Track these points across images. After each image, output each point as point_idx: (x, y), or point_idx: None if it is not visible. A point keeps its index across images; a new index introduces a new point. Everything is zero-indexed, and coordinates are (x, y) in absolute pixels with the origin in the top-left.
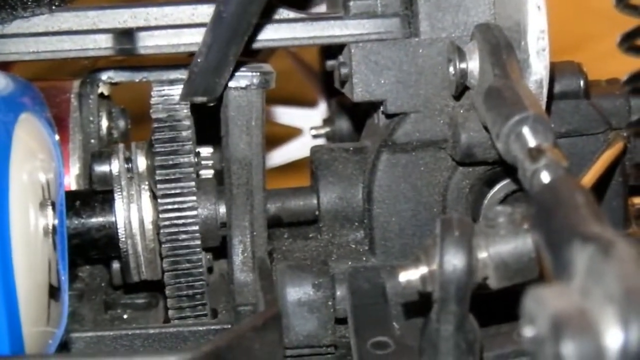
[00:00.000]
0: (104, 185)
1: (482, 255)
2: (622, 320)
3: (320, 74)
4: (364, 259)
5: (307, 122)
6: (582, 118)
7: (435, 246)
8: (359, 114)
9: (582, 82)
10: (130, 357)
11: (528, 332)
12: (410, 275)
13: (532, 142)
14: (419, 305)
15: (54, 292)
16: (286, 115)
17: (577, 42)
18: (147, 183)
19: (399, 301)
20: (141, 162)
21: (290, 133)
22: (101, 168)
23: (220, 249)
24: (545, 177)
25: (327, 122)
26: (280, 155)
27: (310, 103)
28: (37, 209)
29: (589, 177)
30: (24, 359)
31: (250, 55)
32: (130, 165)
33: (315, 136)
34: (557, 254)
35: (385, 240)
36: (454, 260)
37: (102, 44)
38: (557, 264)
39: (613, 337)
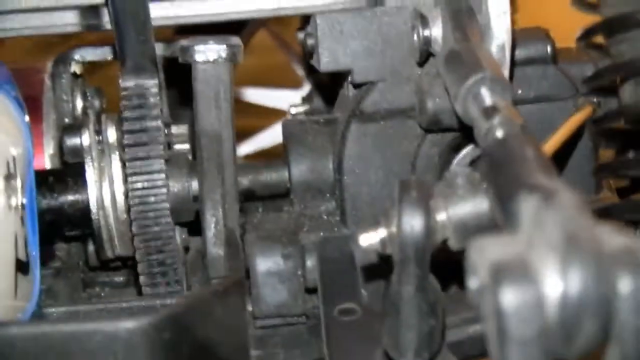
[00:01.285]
0: (76, 157)
1: (441, 216)
2: (562, 267)
3: (302, 53)
4: (336, 229)
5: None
6: (550, 83)
7: (393, 209)
8: (337, 90)
9: (549, 48)
10: (89, 322)
11: (472, 283)
12: (370, 238)
13: (488, 102)
14: (385, 270)
15: (22, 267)
16: (271, 97)
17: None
18: (117, 154)
19: (361, 265)
20: (111, 134)
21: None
22: (72, 141)
23: (198, 225)
24: (499, 134)
25: (306, 100)
26: (265, 138)
27: (295, 85)
28: (1, 184)
29: (555, 140)
30: None
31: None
32: (101, 137)
33: (295, 115)
34: (505, 206)
35: (356, 210)
36: (412, 221)
37: (69, 20)
38: (505, 216)
39: (553, 285)
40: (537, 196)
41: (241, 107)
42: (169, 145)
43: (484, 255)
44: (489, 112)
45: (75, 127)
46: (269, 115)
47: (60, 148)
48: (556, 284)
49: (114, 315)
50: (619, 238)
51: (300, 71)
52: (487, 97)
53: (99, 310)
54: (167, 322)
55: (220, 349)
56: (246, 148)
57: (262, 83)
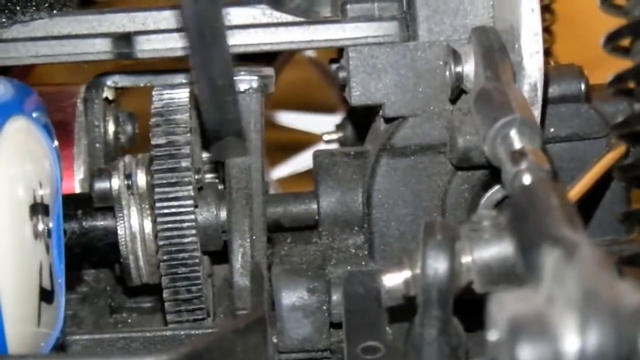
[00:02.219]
0: (105, 202)
1: (466, 259)
2: (580, 325)
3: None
4: (363, 263)
5: (326, 128)
6: (583, 122)
7: (418, 250)
8: (371, 119)
9: (582, 86)
10: (107, 357)
11: (491, 336)
12: (394, 279)
13: (517, 145)
14: (409, 309)
15: (46, 295)
16: (305, 121)
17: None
18: (147, 196)
19: (385, 305)
20: (141, 178)
21: (310, 140)
22: (101, 185)
23: (225, 254)
24: (525, 180)
25: (339, 127)
26: (299, 162)
27: (331, 110)
28: (27, 212)
29: (586, 181)
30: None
31: (261, 61)
32: (130, 181)
33: (328, 141)
34: (527, 257)
35: (384, 244)
36: (436, 264)
37: (101, 47)
38: (527, 266)
39: (570, 342)
40: (560, 250)
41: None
42: (198, 171)
43: (503, 309)
44: (517, 156)
45: (104, 172)
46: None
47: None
48: (574, 341)
49: (136, 345)
50: (638, 295)
51: (337, 96)
52: (515, 140)
53: (123, 339)
54: None
55: None
56: (281, 172)
57: (298, 100)
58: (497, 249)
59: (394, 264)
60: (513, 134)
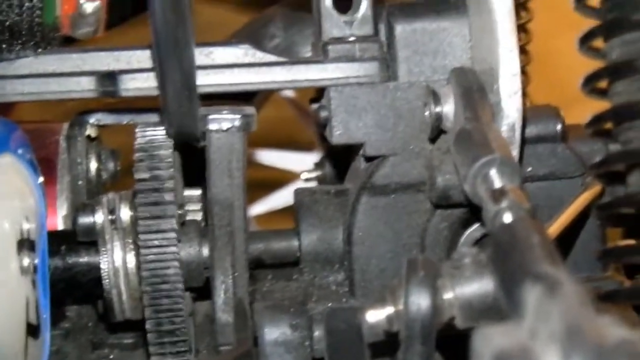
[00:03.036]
0: (89, 236)
1: (448, 295)
2: (564, 359)
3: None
4: (344, 300)
5: (305, 166)
6: (559, 161)
7: (400, 286)
8: (349, 157)
9: (559, 126)
10: None
11: None
12: (377, 315)
13: (497, 184)
14: (391, 345)
15: (32, 330)
16: (283, 159)
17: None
18: (130, 230)
19: (367, 341)
20: (125, 212)
21: (288, 177)
22: (85, 220)
23: (206, 291)
24: (506, 218)
25: (318, 165)
26: (277, 199)
27: (308, 148)
28: (14, 247)
29: (563, 219)
30: None
31: (241, 100)
32: (114, 216)
33: (307, 179)
34: (510, 293)
35: (365, 281)
36: (419, 300)
37: (86, 86)
38: (509, 303)
39: None
40: (542, 286)
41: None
42: (180, 207)
43: (488, 344)
44: (497, 195)
45: (88, 207)
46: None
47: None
48: None
49: None
50: (619, 330)
51: (314, 135)
52: (495, 179)
53: None
54: None
55: None
56: (258, 208)
57: (274, 138)
58: (478, 286)
59: (377, 300)
60: (493, 173)
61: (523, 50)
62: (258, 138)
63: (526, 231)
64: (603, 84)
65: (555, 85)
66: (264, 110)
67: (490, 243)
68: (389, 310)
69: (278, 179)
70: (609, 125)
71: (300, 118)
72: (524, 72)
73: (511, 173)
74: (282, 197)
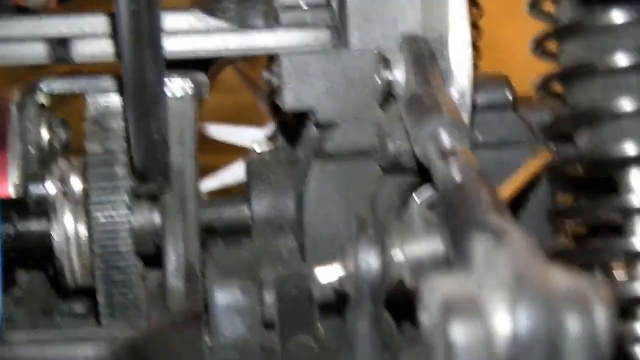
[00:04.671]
0: (40, 205)
1: (397, 254)
2: (511, 305)
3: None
4: (295, 266)
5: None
6: (509, 129)
7: (351, 246)
8: (301, 130)
9: (509, 94)
10: (49, 348)
11: (424, 320)
12: (328, 275)
13: (446, 145)
14: (342, 306)
15: None
16: (235, 134)
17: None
18: (82, 200)
19: (318, 301)
20: (76, 183)
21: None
22: (36, 190)
23: (158, 259)
24: (455, 176)
25: (270, 139)
26: (228, 175)
27: (260, 123)
28: None
29: (512, 186)
30: None
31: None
32: (65, 186)
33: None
34: (458, 247)
35: (315, 247)
36: (368, 259)
37: (38, 51)
38: (457, 255)
39: (502, 322)
40: (489, 236)
41: (205, 144)
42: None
43: (435, 292)
44: (446, 155)
45: (39, 177)
46: (233, 152)
47: (24, 196)
48: (505, 321)
49: (73, 343)
50: (568, 278)
51: (265, 110)
52: (445, 140)
53: (59, 339)
54: (126, 352)
55: None
56: (209, 184)
57: (227, 120)
58: (428, 244)
59: (327, 260)
60: (443, 134)
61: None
62: (210, 113)
63: (474, 187)
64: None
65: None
66: (215, 95)
67: (439, 201)
68: (338, 269)
69: (230, 155)
70: (557, 86)
71: (251, 91)
72: (475, 47)
73: (460, 135)
74: (233, 173)
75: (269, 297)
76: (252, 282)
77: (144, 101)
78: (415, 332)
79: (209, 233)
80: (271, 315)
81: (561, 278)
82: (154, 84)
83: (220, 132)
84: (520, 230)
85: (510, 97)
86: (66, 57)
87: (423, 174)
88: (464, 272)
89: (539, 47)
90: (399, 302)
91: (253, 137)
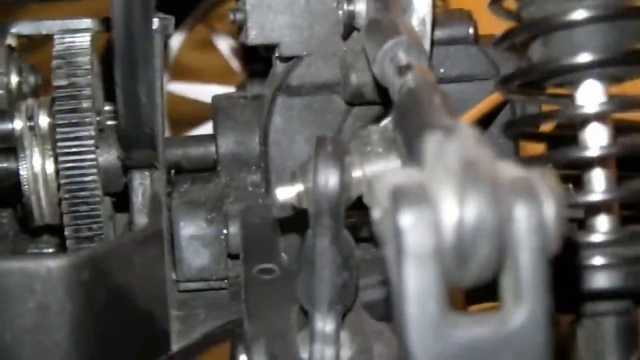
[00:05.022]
0: (7, 142)
1: (356, 172)
2: (459, 193)
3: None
4: (260, 200)
5: None
6: (472, 63)
7: (310, 164)
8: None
9: (471, 28)
10: (9, 260)
11: (376, 214)
12: (287, 192)
13: (403, 63)
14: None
15: None
16: (207, 93)
17: None
18: (49, 136)
19: (277, 218)
20: (43, 119)
21: None
22: (3, 126)
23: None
24: (410, 85)
25: (239, 88)
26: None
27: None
28: None
29: (471, 116)
30: None
31: None
32: (33, 123)
33: None
34: (410, 147)
35: (280, 181)
36: (327, 174)
37: None
38: (410, 156)
39: (450, 209)
40: (440, 132)
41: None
42: (99, 113)
43: (386, 183)
44: (403, 70)
45: (7, 113)
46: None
47: None
48: (453, 208)
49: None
50: (515, 169)
51: (237, 68)
52: (403, 59)
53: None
54: (87, 263)
55: (137, 296)
56: None
57: (200, 79)
58: (386, 161)
59: (287, 180)
60: (400, 53)
61: None
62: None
63: (428, 93)
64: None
65: None
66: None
67: (394, 109)
68: (298, 187)
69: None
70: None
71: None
72: None
73: (418, 53)
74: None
75: (234, 228)
76: (217, 212)
77: (133, 60)
78: (375, 258)
79: (176, 170)
80: (236, 246)
81: (510, 170)
82: (144, 40)
83: (193, 91)
84: (470, 127)
85: (472, 32)
86: None
87: (387, 106)
88: (415, 167)
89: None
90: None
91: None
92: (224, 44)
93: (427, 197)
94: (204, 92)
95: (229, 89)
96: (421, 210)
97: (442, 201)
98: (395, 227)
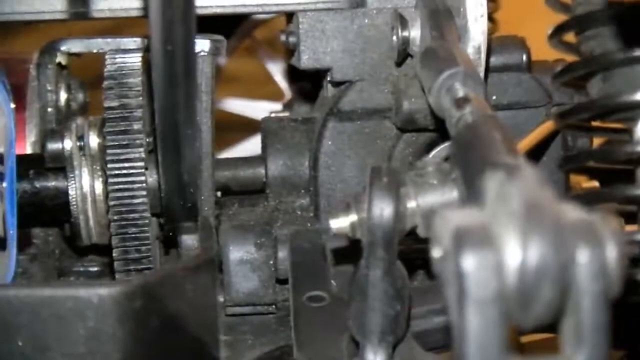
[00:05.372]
0: (57, 162)
1: (411, 203)
2: (522, 235)
3: (286, 65)
4: (309, 224)
5: None
6: (524, 91)
7: (364, 194)
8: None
9: (524, 56)
10: (62, 288)
11: (436, 253)
12: (341, 222)
13: (461, 94)
14: (355, 257)
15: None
16: (252, 108)
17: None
18: (99, 157)
19: (330, 247)
20: (93, 139)
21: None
22: (54, 146)
23: None
24: (469, 120)
25: (286, 106)
26: (244, 149)
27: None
28: None
29: (524, 145)
30: None
31: None
32: (83, 143)
33: None
34: (471, 185)
35: (329, 206)
36: (382, 205)
37: (56, 7)
38: (471, 194)
39: (513, 252)
40: (501, 172)
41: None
42: (149, 134)
43: (448, 223)
44: (461, 102)
45: (57, 133)
46: (250, 128)
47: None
48: (516, 251)
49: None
50: (578, 212)
51: (282, 84)
52: (460, 90)
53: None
54: (139, 291)
55: (188, 323)
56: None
57: (243, 95)
58: (441, 193)
59: (341, 208)
60: (457, 85)
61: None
62: (227, 87)
63: (488, 129)
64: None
65: None
66: (233, 60)
67: (452, 143)
68: (352, 217)
69: (248, 128)
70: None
71: (268, 63)
72: (491, 19)
73: (475, 85)
74: (251, 146)
75: (283, 252)
76: (266, 236)
77: (174, 141)
78: (427, 286)
79: (224, 192)
80: (284, 270)
81: (572, 212)
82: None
83: (237, 105)
84: (532, 167)
85: (525, 59)
86: (85, 13)
87: (439, 133)
88: (477, 206)
89: (556, 37)
90: (412, 258)
91: (270, 111)
92: (273, 64)
93: (490, 239)
94: (247, 106)
95: (272, 105)
96: (484, 253)
97: (505, 244)
98: (458, 269)
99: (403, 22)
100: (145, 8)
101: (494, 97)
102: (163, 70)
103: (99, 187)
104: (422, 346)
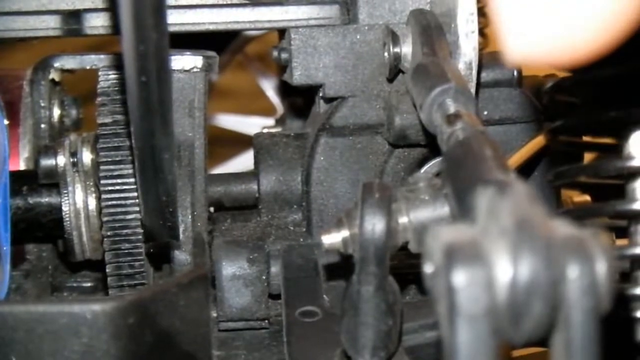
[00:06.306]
0: (50, 178)
1: (403, 218)
2: (513, 251)
3: (278, 81)
4: (301, 239)
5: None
6: (515, 106)
7: (356, 210)
8: (309, 112)
9: (515, 71)
10: (56, 304)
11: (428, 269)
12: (333, 238)
13: (452, 110)
14: (346, 272)
15: None
16: (243, 123)
17: None
18: (92, 173)
19: (322, 263)
20: (86, 156)
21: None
22: (47, 162)
23: None
24: (460, 137)
25: (279, 122)
26: (236, 165)
27: (268, 113)
28: None
29: (515, 159)
30: None
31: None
32: (76, 159)
33: None
34: (462, 202)
35: (322, 221)
36: (374, 221)
37: (50, 24)
38: (462, 210)
39: (503, 267)
40: (493, 189)
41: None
42: None
43: (439, 239)
44: (452, 119)
45: (50, 149)
46: (242, 143)
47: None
48: (506, 266)
49: (80, 301)
50: (568, 228)
51: (274, 99)
52: (451, 106)
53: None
54: (133, 307)
55: (182, 339)
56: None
57: (235, 110)
58: (432, 209)
59: (333, 224)
60: (448, 101)
61: (482, 13)
62: (219, 103)
63: (479, 145)
64: None
65: None
66: (226, 76)
67: (443, 159)
68: (344, 233)
69: (239, 144)
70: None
71: (260, 79)
72: (482, 34)
73: (466, 101)
74: (243, 162)
75: (275, 268)
76: (259, 252)
77: (152, 165)
78: (419, 301)
79: (217, 208)
80: (277, 286)
81: (562, 228)
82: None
83: (228, 121)
84: (523, 183)
85: (517, 74)
86: (78, 30)
87: (430, 148)
88: (468, 222)
89: None
90: (403, 273)
91: (261, 126)
92: (265, 80)
93: (481, 255)
94: (239, 122)
95: (264, 120)
96: (475, 269)
97: (496, 260)
98: (449, 285)
99: (395, 39)
100: None
101: (485, 113)
102: (138, 99)
103: (92, 203)
104: None
